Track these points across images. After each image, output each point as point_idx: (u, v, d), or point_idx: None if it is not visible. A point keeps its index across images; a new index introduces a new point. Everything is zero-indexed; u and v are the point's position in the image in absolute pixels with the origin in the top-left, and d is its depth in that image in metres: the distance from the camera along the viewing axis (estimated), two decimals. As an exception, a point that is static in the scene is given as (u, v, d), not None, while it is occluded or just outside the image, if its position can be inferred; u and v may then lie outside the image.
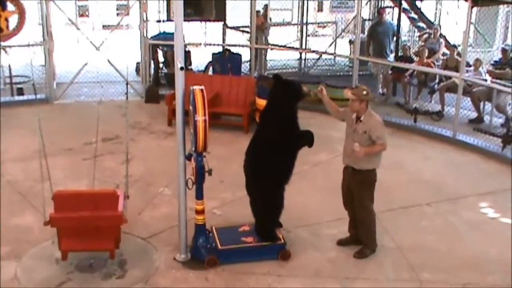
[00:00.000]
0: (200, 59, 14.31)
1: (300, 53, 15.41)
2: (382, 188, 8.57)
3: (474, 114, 11.67)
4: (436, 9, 16.11)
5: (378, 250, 7.10)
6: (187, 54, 13.39)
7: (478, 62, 11.61)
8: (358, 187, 6.79)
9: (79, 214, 6.33)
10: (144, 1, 13.05)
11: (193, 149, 6.53)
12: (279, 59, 15.45)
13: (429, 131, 11.12)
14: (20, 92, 12.63)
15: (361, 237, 6.99)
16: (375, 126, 6.63)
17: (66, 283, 6.41)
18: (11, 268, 6.58)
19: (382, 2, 16.29)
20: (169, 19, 13.09)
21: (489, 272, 6.77)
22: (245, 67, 13.64)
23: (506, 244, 7.25)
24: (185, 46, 10.82)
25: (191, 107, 6.51)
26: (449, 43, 13.72)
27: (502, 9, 15.50)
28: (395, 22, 13.91)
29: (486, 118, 11.56)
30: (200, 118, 6.31)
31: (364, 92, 6.63)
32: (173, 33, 6.39)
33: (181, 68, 6.24)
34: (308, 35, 16.17)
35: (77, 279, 6.47)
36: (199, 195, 6.64)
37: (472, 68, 11.70)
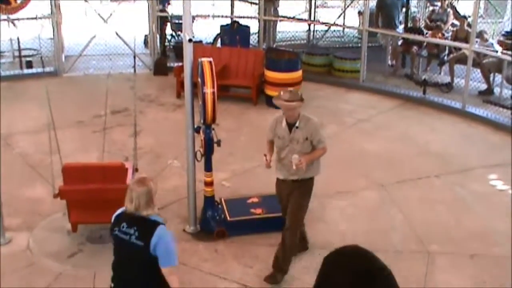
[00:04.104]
0: (208, 31, 14.25)
1: (309, 25, 15.30)
2: (390, 160, 8.62)
3: (484, 86, 11.59)
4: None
5: (387, 223, 7.14)
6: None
7: (482, 33, 11.48)
8: (299, 199, 5.97)
9: (87, 186, 6.38)
10: (152, -27, 12.96)
11: (202, 121, 6.54)
12: (288, 31, 15.35)
13: (438, 103, 11.06)
14: (29, 65, 12.63)
15: (278, 256, 6.11)
16: (315, 130, 5.85)
17: (78, 254, 6.50)
18: (24, 239, 6.67)
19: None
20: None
21: (497, 243, 6.80)
22: (253, 39, 13.57)
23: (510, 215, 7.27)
24: (193, 18, 10.76)
25: (199, 79, 6.51)
26: (458, 13, 13.57)
27: (514, -22, 15.27)
28: (404, -7, 13.76)
29: (496, 89, 11.48)
30: (208, 90, 6.32)
31: (300, 93, 5.95)
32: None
33: (189, 40, 6.23)
34: (317, 7, 15.99)
35: (88, 250, 6.56)
36: (208, 167, 6.68)
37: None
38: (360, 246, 4.35)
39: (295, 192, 5.96)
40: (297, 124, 5.79)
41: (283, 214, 6.16)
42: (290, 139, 5.82)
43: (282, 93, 5.79)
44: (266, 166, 5.93)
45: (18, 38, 12.59)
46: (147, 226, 4.20)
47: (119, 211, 4.45)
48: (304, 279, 6.14)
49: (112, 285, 4.49)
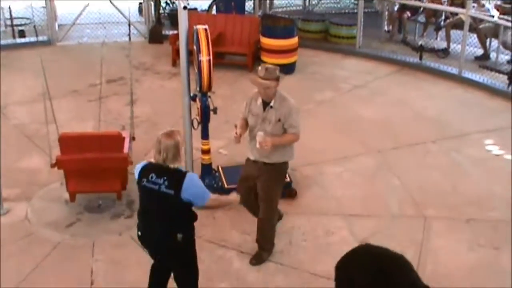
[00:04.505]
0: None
1: (305, -9, 15.18)
2: (387, 126, 8.64)
3: (480, 51, 11.55)
4: None
5: (383, 188, 7.18)
6: None
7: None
8: (269, 182, 5.71)
9: (84, 156, 6.38)
10: None
11: (198, 89, 6.52)
12: (283, -3, 15.23)
13: (435, 69, 11.03)
14: (22, 34, 12.52)
15: (259, 239, 6.00)
16: (289, 113, 5.48)
17: (76, 223, 6.52)
18: (22, 209, 6.69)
19: None
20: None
21: (492, 207, 6.85)
22: (249, 6, 13.45)
23: (509, 180, 7.30)
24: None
25: (195, 47, 6.47)
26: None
27: None
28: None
29: (493, 55, 11.44)
30: (204, 58, 6.28)
31: (277, 71, 5.51)
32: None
33: (184, 8, 6.17)
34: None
35: (87, 219, 6.58)
36: (205, 135, 6.68)
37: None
38: (369, 244, 4.41)
39: (266, 176, 5.66)
40: (271, 104, 5.48)
41: (242, 198, 5.55)
42: (263, 118, 5.51)
43: (259, 68, 5.52)
44: (236, 140, 5.61)
45: (9, 7, 12.47)
46: (176, 176, 4.43)
47: (142, 163, 4.64)
48: (302, 245, 6.20)
49: (139, 233, 4.70)
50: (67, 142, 6.42)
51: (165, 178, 4.42)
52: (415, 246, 6.21)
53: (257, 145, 5.43)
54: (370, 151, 7.99)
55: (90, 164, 6.43)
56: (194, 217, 4.66)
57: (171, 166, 4.44)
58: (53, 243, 6.21)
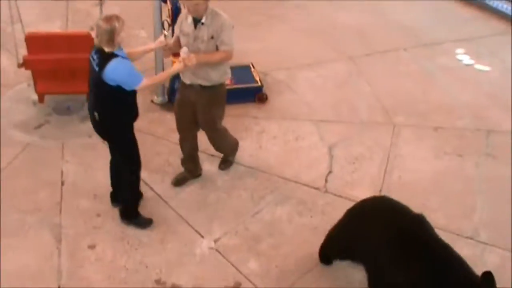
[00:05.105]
0: None
1: None
2: (359, 32, 8.57)
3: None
4: None
5: (354, 94, 7.20)
6: None
7: None
8: (209, 107, 5.45)
9: (53, 56, 6.24)
10: None
11: (169, -10, 6.33)
12: None
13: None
14: None
15: (221, 152, 6.04)
16: (221, 28, 5.12)
17: (45, 125, 6.48)
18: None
19: None
20: None
21: (460, 116, 6.94)
22: None
23: (478, 90, 7.39)
24: None
25: None
26: None
27: None
28: None
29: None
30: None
31: None
32: None
33: None
34: None
35: (56, 121, 6.54)
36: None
37: None
38: (386, 198, 4.57)
39: (204, 100, 5.39)
40: (203, 20, 5.09)
41: (178, 125, 5.66)
42: (194, 37, 5.15)
43: None
44: (165, 52, 5.43)
45: None
46: (105, 57, 4.68)
47: None
48: (272, 149, 6.26)
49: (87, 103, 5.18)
50: (35, 41, 6.26)
51: (98, 56, 4.72)
52: (383, 152, 6.33)
53: (182, 53, 5.07)
54: (342, 57, 7.96)
55: (59, 65, 6.31)
56: (122, 103, 4.85)
57: (106, 49, 4.67)
58: (22, 144, 6.18)
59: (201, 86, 5.32)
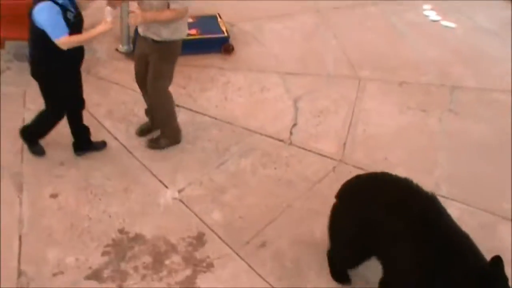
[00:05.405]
0: None
1: None
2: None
3: None
4: None
5: (320, 47, 7.18)
6: None
7: None
8: (159, 61, 5.28)
9: (14, 1, 6.06)
10: None
11: None
12: None
13: None
14: None
15: (158, 124, 5.72)
16: None
17: (6, 71, 6.35)
18: None
19: None
20: None
21: (425, 72, 6.99)
22: None
23: (444, 46, 7.43)
24: None
25: None
26: None
27: None
28: None
29: None
30: None
31: None
32: None
33: None
34: None
35: (17, 68, 6.41)
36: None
37: None
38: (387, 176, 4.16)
39: (155, 55, 5.24)
40: None
41: (136, 78, 5.58)
42: None
43: None
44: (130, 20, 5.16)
45: None
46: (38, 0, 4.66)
47: None
48: (237, 100, 6.24)
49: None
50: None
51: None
52: (348, 106, 6.36)
53: (130, 8, 4.93)
54: (310, 10, 7.90)
55: (21, 10, 6.10)
56: (51, 48, 4.72)
57: None
58: (-18, 90, 6.05)
59: (153, 40, 5.18)
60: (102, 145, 5.58)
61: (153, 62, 5.30)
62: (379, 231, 4.02)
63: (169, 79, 5.44)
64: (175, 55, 5.33)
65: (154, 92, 5.44)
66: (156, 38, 5.15)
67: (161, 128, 5.70)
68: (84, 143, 5.48)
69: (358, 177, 4.46)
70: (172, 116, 5.64)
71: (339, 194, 4.41)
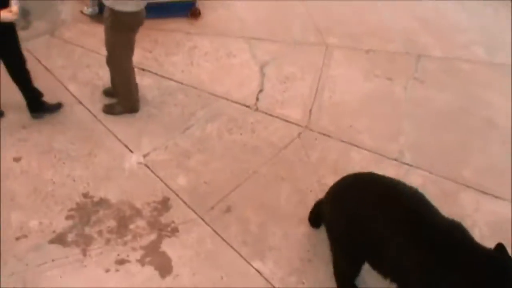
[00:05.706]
0: None
1: None
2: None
3: None
4: None
5: (288, 13, 7.14)
6: None
7: None
8: (110, 29, 5.10)
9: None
10: None
11: None
12: None
13: None
14: None
15: (115, 88, 5.61)
16: None
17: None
18: None
19: None
20: None
21: (392, 40, 7.02)
22: None
23: (411, 15, 7.45)
24: None
25: None
26: None
27: None
28: None
29: None
30: None
31: None
32: None
33: None
34: None
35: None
36: None
37: None
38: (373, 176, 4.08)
39: (107, 22, 5.08)
40: None
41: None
42: None
43: None
44: None
45: None
46: None
47: None
48: (203, 65, 6.20)
49: None
50: None
51: None
52: (314, 73, 6.36)
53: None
54: (279, -25, 7.83)
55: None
56: None
57: None
58: None
59: (109, 8, 5.00)
60: (56, 107, 5.47)
61: (105, 29, 5.19)
62: (372, 229, 3.97)
63: (125, 49, 5.24)
64: (126, 26, 5.07)
65: (108, 59, 5.36)
66: (106, 3, 4.99)
67: (116, 95, 5.61)
68: (35, 104, 5.37)
69: (344, 178, 4.36)
70: (127, 87, 5.50)
71: (329, 197, 4.36)
